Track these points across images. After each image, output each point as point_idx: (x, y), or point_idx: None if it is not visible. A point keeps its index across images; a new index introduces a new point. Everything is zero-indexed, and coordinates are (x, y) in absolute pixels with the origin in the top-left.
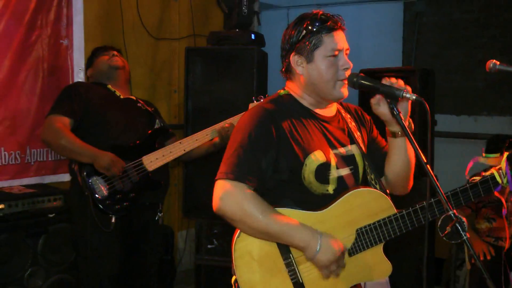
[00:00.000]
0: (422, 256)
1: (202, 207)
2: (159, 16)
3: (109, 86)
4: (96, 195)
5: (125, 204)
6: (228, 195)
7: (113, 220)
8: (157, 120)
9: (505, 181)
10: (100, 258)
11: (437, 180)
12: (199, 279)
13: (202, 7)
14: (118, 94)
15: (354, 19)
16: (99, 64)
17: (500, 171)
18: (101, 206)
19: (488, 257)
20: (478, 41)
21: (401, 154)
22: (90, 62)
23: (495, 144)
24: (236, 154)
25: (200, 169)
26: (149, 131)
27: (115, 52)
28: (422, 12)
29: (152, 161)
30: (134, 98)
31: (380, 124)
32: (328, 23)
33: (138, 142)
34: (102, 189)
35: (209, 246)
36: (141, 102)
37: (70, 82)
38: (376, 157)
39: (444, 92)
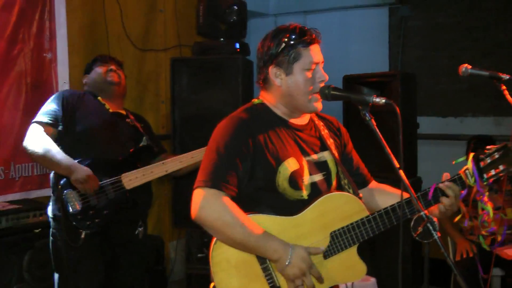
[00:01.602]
0: (409, 255)
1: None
2: (144, 27)
3: (99, 98)
4: (68, 209)
5: (96, 220)
6: (208, 204)
7: (82, 236)
8: (144, 138)
9: (472, 180)
10: (76, 273)
11: (422, 181)
12: None
13: (188, 17)
14: (107, 108)
15: (340, 25)
16: (95, 74)
17: (467, 171)
18: (71, 220)
19: (471, 255)
20: (462, 44)
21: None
22: (88, 69)
23: (476, 144)
24: (213, 162)
25: (189, 179)
26: (133, 149)
27: (113, 67)
28: (407, 16)
29: (131, 179)
30: (124, 112)
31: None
32: (306, 37)
33: (120, 158)
34: (75, 203)
35: (199, 255)
36: (131, 117)
37: None
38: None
39: (430, 94)
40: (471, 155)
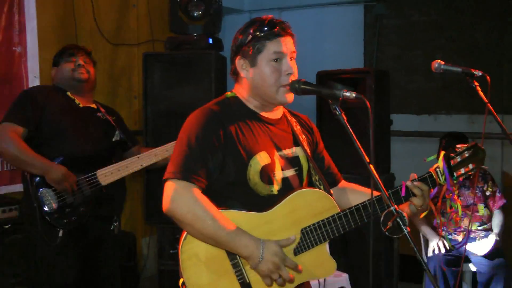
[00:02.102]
0: (381, 252)
1: (164, 213)
2: (116, 21)
3: (69, 94)
4: (45, 208)
5: (73, 218)
6: (179, 196)
7: (60, 234)
8: (116, 132)
9: (442, 179)
10: (51, 269)
11: (396, 178)
12: (162, 284)
13: (161, 12)
14: (77, 103)
15: (315, 23)
16: (62, 70)
17: (438, 169)
18: (48, 219)
19: (442, 251)
20: (437, 42)
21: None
22: (56, 62)
23: (447, 141)
24: (184, 154)
25: (161, 175)
26: (106, 144)
27: (81, 61)
28: (382, 14)
29: (107, 175)
30: (95, 106)
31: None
32: (275, 29)
33: (93, 154)
34: (51, 202)
35: (171, 251)
36: (102, 110)
37: None
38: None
39: (405, 92)
40: (442, 153)
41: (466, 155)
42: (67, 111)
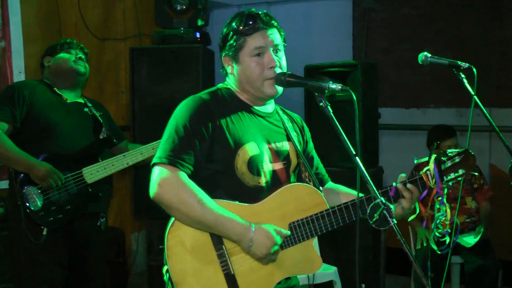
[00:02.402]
0: (369, 245)
1: (152, 208)
2: (103, 16)
3: (55, 89)
4: (29, 205)
5: (59, 216)
6: (166, 181)
7: (44, 233)
8: (103, 129)
9: (433, 182)
10: (36, 266)
11: (384, 171)
12: (152, 280)
13: (147, 6)
14: (64, 98)
15: (304, 17)
16: (61, 60)
17: (428, 172)
18: (33, 217)
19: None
20: (425, 36)
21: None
22: (52, 51)
23: (435, 134)
24: (172, 140)
25: (150, 170)
26: (93, 141)
27: (81, 55)
28: (370, 8)
29: (93, 173)
30: (82, 101)
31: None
32: (254, 23)
33: (80, 152)
34: (36, 200)
35: (160, 247)
36: (89, 105)
37: None
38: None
39: (393, 86)
40: (433, 157)
41: (457, 159)
42: (54, 108)
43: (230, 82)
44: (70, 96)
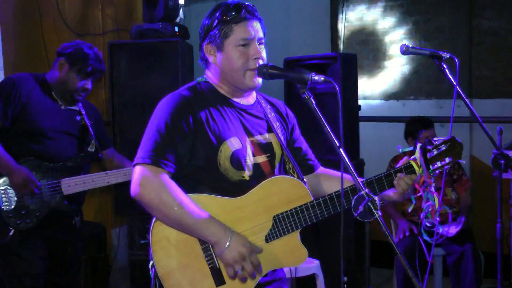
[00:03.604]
0: (352, 238)
1: (133, 203)
2: (81, 11)
3: (53, 93)
4: (1, 205)
5: (27, 220)
6: (147, 181)
7: (10, 234)
8: (92, 141)
9: (420, 170)
10: (17, 260)
11: (365, 164)
12: (134, 275)
13: (126, 1)
14: (60, 104)
15: (282, 9)
16: (69, 78)
17: (415, 160)
18: (2, 217)
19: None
20: (404, 27)
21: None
22: (71, 60)
23: (413, 126)
24: (154, 139)
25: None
26: (79, 153)
27: (90, 86)
28: (348, 0)
29: (71, 185)
30: (77, 109)
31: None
32: (240, 12)
33: (63, 161)
34: (9, 201)
35: (142, 242)
36: (83, 113)
37: None
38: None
39: (373, 78)
40: (418, 146)
41: (443, 148)
42: (47, 113)
43: (210, 75)
44: (65, 103)
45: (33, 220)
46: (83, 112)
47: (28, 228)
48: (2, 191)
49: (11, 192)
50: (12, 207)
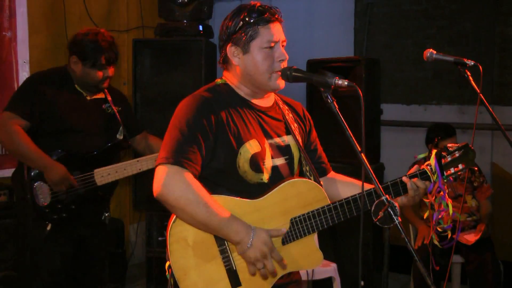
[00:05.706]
0: (369, 242)
1: (152, 200)
2: (106, 7)
3: (76, 86)
4: (37, 201)
5: (63, 215)
6: (171, 181)
7: (48, 228)
8: (120, 128)
9: (434, 177)
10: (39, 256)
11: (385, 168)
12: (150, 271)
13: None
14: (85, 95)
15: (305, 10)
16: (87, 73)
17: (429, 167)
18: (39, 212)
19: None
20: (427, 32)
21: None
22: (83, 56)
23: (434, 133)
24: (176, 139)
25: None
26: (108, 142)
27: (110, 73)
28: (372, 3)
29: (104, 176)
30: (103, 96)
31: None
32: (265, 15)
33: (93, 152)
34: (44, 197)
35: (160, 239)
36: (110, 99)
37: (14, 76)
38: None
39: (395, 82)
40: (434, 152)
41: (457, 154)
42: (73, 108)
43: (229, 76)
44: (90, 94)
45: (69, 213)
46: (109, 99)
47: (64, 222)
48: (36, 188)
49: (45, 188)
50: (48, 202)
